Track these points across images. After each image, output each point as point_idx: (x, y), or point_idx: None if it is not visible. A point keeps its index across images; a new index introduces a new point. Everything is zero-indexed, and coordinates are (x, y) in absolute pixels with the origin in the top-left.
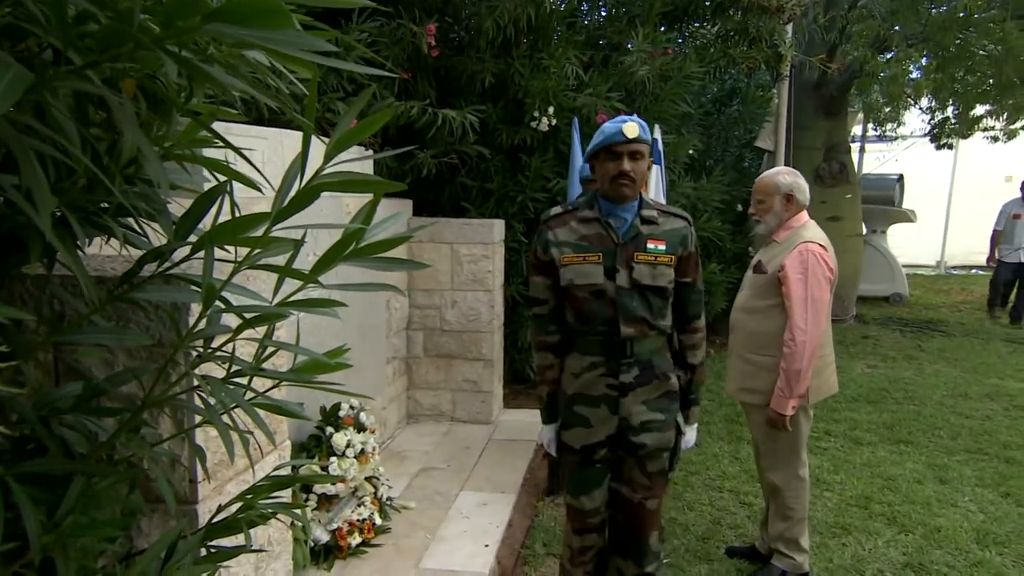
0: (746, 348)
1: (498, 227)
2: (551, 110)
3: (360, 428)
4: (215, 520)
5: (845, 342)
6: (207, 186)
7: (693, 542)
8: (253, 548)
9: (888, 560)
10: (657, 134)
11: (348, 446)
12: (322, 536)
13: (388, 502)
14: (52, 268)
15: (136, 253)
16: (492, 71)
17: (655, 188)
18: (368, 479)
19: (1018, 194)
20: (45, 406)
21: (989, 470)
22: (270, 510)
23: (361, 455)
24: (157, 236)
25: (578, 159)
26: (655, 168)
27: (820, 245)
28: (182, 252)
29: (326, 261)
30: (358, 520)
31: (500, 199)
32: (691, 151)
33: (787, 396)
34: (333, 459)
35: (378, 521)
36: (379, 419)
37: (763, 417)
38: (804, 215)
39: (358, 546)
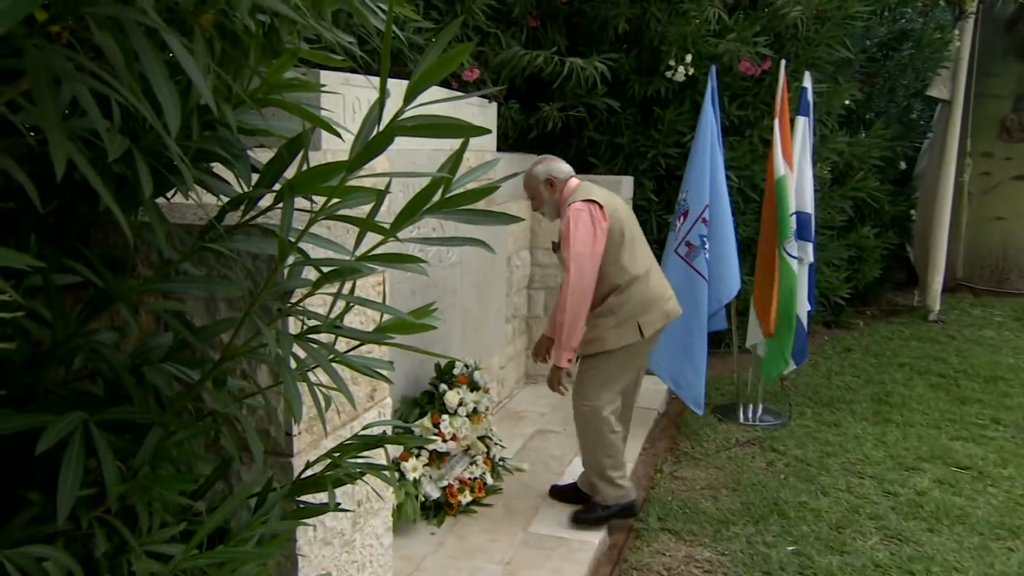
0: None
1: (626, 184)
2: (688, 58)
3: (474, 387)
4: (303, 476)
5: None
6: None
7: (825, 530)
8: (340, 508)
9: None
10: (807, 82)
11: (460, 404)
12: (433, 492)
13: (501, 463)
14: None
15: (214, 201)
16: (626, 16)
17: (801, 143)
18: (481, 438)
19: None
20: (140, 355)
21: None
22: (357, 470)
23: (474, 414)
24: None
25: (708, 112)
26: (801, 121)
27: (584, 201)
28: (267, 201)
29: (408, 214)
30: (469, 479)
31: (630, 155)
32: (847, 101)
33: (560, 348)
34: (445, 417)
35: (489, 481)
36: (496, 378)
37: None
38: (571, 183)
39: (468, 504)
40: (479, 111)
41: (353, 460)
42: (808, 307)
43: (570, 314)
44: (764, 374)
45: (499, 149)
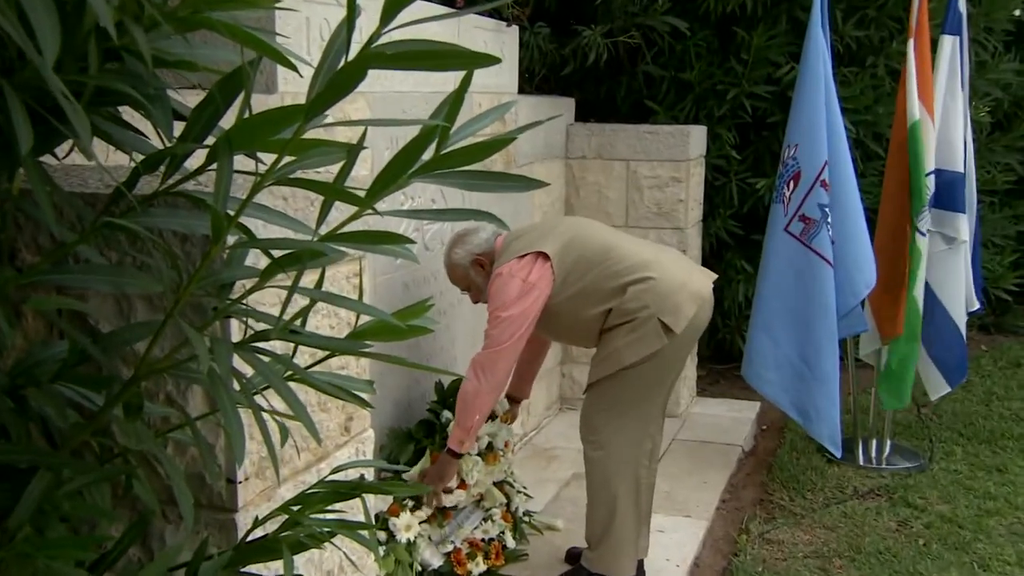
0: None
1: (696, 136)
2: None
3: (488, 414)
4: (250, 538)
5: None
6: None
7: None
8: None
9: None
10: None
11: None
12: (433, 560)
13: (526, 518)
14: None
15: (126, 162)
16: None
17: (946, 72)
18: (498, 485)
19: None
20: (23, 372)
21: None
22: (326, 530)
23: (488, 451)
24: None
25: (819, 34)
26: (948, 42)
27: (508, 263)
28: (197, 162)
29: (391, 176)
30: (483, 540)
31: (702, 96)
32: (1017, 12)
33: (456, 425)
34: None
35: (510, 543)
36: (522, 405)
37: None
38: (498, 245)
39: (482, 575)
40: (494, 38)
41: (320, 516)
42: (976, 305)
43: (474, 385)
44: (884, 400)
45: (522, 91)
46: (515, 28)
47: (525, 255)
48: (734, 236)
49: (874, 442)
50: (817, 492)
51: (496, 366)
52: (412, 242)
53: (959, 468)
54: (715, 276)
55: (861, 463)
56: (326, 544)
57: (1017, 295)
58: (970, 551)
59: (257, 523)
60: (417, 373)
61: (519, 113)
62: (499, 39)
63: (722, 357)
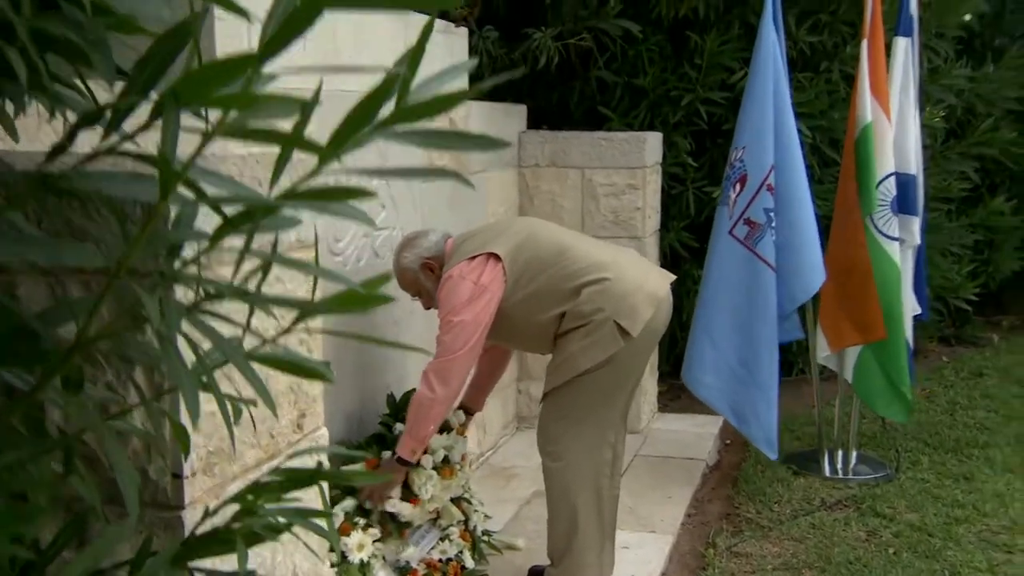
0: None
1: (652, 143)
2: None
3: (444, 427)
4: (200, 532)
5: None
6: None
7: None
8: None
9: None
10: None
11: (425, 451)
12: None
13: (485, 537)
14: None
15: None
16: None
17: (900, 74)
18: (456, 501)
19: None
20: None
21: None
22: (282, 519)
23: (444, 465)
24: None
25: (770, 37)
26: (901, 43)
27: (458, 264)
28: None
29: (350, 130)
30: (441, 560)
31: (656, 102)
32: (967, 17)
33: (406, 433)
34: None
35: (469, 563)
36: (476, 421)
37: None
38: (448, 248)
39: None
40: (442, 40)
41: (275, 506)
42: (918, 310)
43: (427, 395)
44: (886, 412)
45: (472, 97)
46: (464, 30)
47: (476, 256)
48: (689, 248)
49: (840, 453)
50: (784, 504)
51: (450, 375)
52: (374, 194)
53: (926, 477)
54: (673, 277)
55: (827, 474)
56: (278, 555)
57: (976, 305)
58: (940, 559)
59: (208, 514)
60: (367, 390)
61: (470, 121)
62: (447, 41)
63: None
